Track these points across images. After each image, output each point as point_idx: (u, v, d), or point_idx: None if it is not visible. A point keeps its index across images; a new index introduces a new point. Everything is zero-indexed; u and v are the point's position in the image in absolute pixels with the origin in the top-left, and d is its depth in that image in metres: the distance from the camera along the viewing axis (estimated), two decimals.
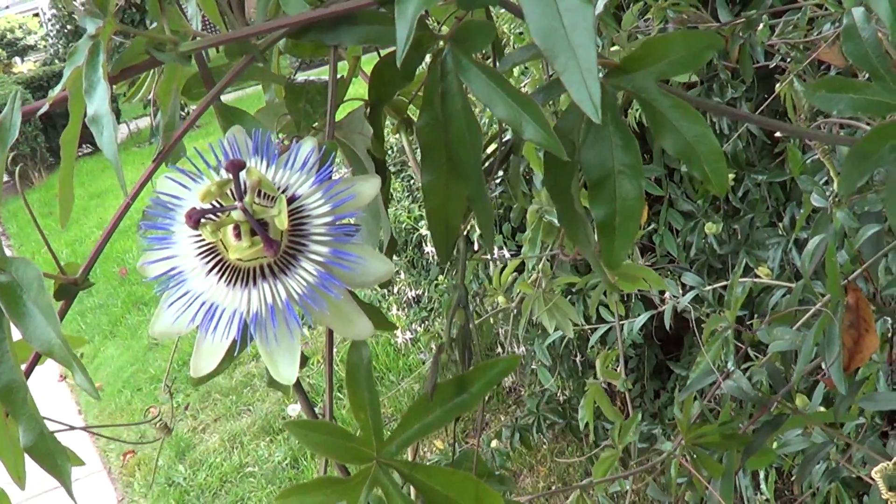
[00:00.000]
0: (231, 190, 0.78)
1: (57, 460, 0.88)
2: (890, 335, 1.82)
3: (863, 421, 2.08)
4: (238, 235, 0.78)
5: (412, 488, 0.91)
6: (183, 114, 1.00)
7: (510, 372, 0.93)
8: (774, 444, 1.85)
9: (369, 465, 0.89)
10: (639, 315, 3.39)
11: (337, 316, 0.83)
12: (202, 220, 0.76)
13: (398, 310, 5.31)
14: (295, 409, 5.44)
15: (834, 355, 1.52)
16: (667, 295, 3.38)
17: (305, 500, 0.88)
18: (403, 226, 4.66)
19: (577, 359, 4.18)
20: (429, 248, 4.76)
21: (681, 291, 3.25)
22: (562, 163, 0.96)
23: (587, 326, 3.68)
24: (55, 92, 0.87)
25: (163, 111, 0.96)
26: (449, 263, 4.52)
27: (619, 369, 2.29)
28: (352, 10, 0.88)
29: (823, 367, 1.72)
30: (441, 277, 4.80)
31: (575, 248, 1.78)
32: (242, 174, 0.78)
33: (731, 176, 3.12)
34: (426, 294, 5.03)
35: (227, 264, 0.79)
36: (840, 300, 1.53)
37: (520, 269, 2.88)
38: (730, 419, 1.58)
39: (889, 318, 1.76)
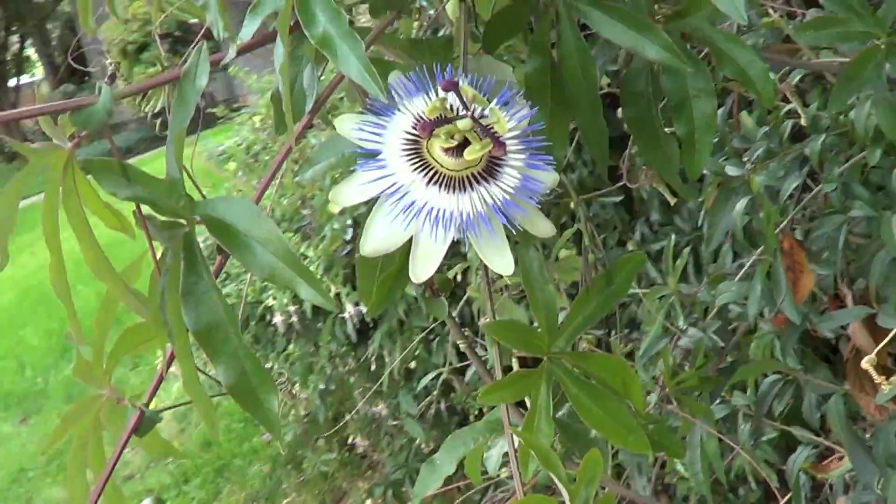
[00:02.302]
0: (449, 106, 0.90)
1: (260, 396, 0.93)
2: None
3: None
4: (447, 150, 0.90)
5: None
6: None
7: (641, 265, 1.07)
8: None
9: (543, 363, 1.02)
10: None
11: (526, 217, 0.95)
12: (434, 130, 0.88)
13: None
14: None
15: (783, 291, 1.76)
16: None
17: (504, 395, 0.99)
18: (248, 298, 4.64)
19: (443, 405, 4.28)
20: (276, 319, 4.74)
21: None
22: (640, 95, 1.14)
23: (456, 365, 3.81)
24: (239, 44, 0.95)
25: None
26: (296, 333, 4.55)
27: None
28: None
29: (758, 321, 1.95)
30: (291, 346, 4.79)
31: None
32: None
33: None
34: (274, 367, 5.00)
35: (440, 175, 0.90)
36: (776, 247, 1.78)
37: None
38: (703, 363, 1.78)
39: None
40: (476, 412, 4.04)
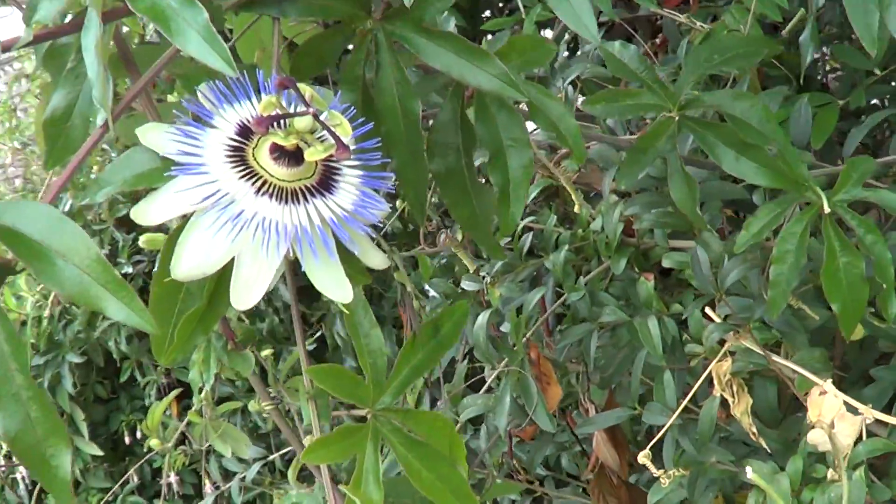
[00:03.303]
0: (282, 105, 0.78)
1: (46, 450, 0.72)
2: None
3: None
4: (277, 158, 0.78)
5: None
6: None
7: (467, 315, 0.98)
8: None
9: (369, 420, 0.89)
10: None
11: (359, 243, 0.83)
12: (270, 128, 0.76)
13: None
14: None
15: (535, 400, 1.71)
16: None
17: (329, 453, 0.85)
18: None
19: None
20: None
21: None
22: (449, 146, 1.07)
23: None
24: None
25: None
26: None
27: None
28: None
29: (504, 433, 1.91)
30: None
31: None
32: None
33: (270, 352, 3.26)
34: None
35: (271, 186, 0.78)
36: (524, 356, 1.75)
37: None
38: None
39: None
40: None
